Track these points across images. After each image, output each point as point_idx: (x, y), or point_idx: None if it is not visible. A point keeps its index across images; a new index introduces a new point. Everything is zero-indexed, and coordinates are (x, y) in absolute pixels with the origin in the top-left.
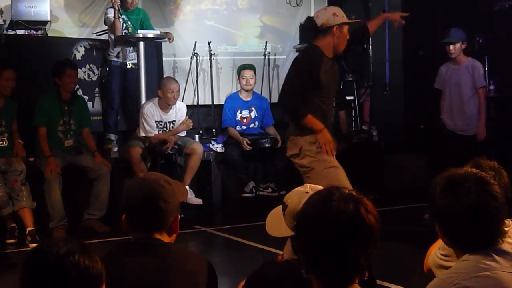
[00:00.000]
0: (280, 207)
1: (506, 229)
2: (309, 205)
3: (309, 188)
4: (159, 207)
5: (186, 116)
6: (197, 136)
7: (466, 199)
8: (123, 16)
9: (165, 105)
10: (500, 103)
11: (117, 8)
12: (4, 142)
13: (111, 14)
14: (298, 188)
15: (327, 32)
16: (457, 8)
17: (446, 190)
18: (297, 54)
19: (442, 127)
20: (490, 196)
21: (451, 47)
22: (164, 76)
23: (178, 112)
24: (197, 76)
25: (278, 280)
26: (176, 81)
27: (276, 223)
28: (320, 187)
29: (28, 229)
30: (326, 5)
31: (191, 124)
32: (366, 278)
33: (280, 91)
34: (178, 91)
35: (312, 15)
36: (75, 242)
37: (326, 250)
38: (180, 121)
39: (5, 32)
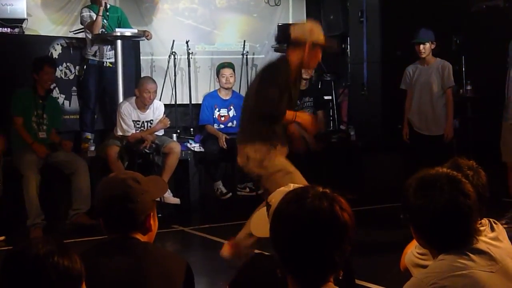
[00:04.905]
0: (265, 208)
1: (482, 228)
2: (284, 203)
3: (293, 188)
4: (126, 207)
5: (163, 114)
6: (174, 135)
7: (439, 199)
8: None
9: (142, 105)
10: (477, 103)
11: (103, 5)
12: None
13: (86, 13)
14: (282, 188)
15: (298, 46)
16: (434, 8)
17: (419, 191)
18: (275, 53)
19: (409, 129)
20: (462, 194)
21: (421, 47)
22: (142, 74)
23: (156, 111)
24: (175, 75)
25: (269, 272)
26: (154, 81)
27: (262, 223)
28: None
29: None
30: (305, 5)
31: (168, 122)
32: (340, 277)
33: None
34: (155, 91)
35: (290, 21)
36: (54, 243)
37: (301, 248)
38: (158, 120)
39: None
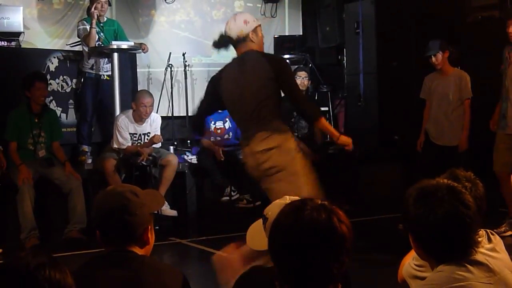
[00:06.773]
0: (260, 220)
1: (479, 239)
2: (282, 215)
3: (289, 200)
4: (125, 220)
5: (158, 128)
6: (171, 147)
7: (439, 209)
8: (96, 27)
9: (139, 118)
10: (473, 113)
11: (95, 17)
12: None
13: (83, 26)
14: (278, 200)
15: (245, 40)
16: (430, 19)
17: (419, 201)
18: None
19: (425, 138)
20: (462, 205)
21: (433, 58)
22: (139, 87)
23: (153, 124)
24: (171, 87)
25: (267, 284)
26: (150, 95)
27: (257, 236)
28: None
29: None
30: (300, 16)
31: (161, 139)
32: None
33: (297, 100)
34: (152, 105)
35: (286, 32)
36: (44, 255)
37: (299, 260)
38: (154, 133)
39: None
